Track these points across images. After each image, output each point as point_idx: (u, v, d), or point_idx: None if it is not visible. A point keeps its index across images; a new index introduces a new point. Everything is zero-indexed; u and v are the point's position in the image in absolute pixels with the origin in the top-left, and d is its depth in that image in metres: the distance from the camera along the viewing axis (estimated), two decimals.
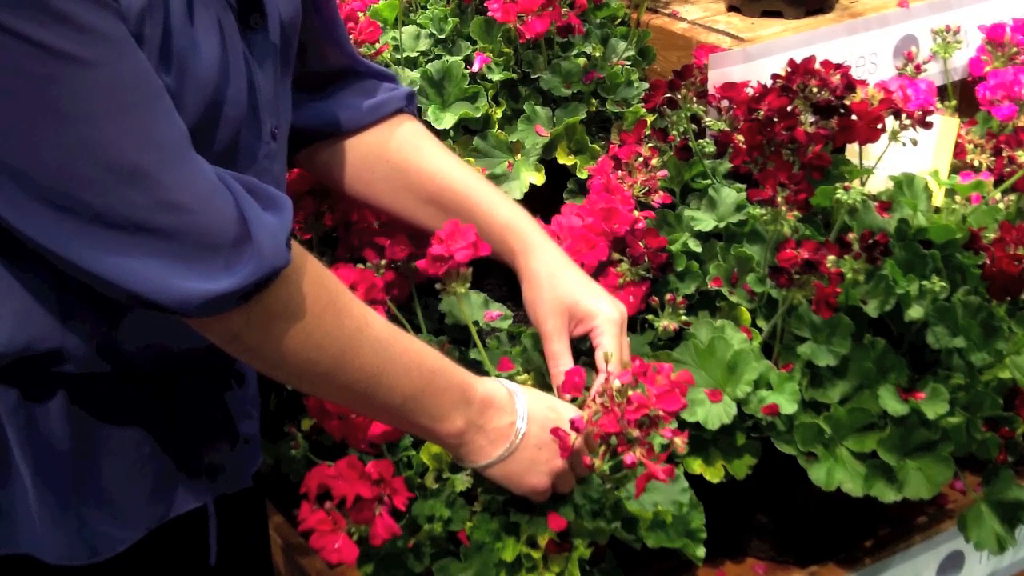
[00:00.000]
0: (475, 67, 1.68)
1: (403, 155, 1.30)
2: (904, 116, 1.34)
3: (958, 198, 1.37)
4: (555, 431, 1.08)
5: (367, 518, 1.08)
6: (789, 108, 1.31)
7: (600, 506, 1.14)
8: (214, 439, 1.12)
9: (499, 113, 1.68)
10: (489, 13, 1.64)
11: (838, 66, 1.34)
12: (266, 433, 1.26)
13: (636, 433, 1.02)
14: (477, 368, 1.27)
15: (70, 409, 1.01)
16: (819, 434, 1.22)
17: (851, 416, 1.22)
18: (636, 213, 1.36)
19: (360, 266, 1.32)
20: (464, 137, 1.68)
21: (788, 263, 1.18)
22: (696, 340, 1.25)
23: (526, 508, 1.13)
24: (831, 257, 1.19)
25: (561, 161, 1.64)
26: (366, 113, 1.30)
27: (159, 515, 1.08)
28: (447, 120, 1.65)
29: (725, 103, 1.41)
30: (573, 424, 1.06)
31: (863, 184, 1.40)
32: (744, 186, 1.40)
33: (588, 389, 1.18)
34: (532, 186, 1.63)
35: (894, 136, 1.35)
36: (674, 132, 1.45)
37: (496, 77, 1.67)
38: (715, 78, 1.51)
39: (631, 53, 1.74)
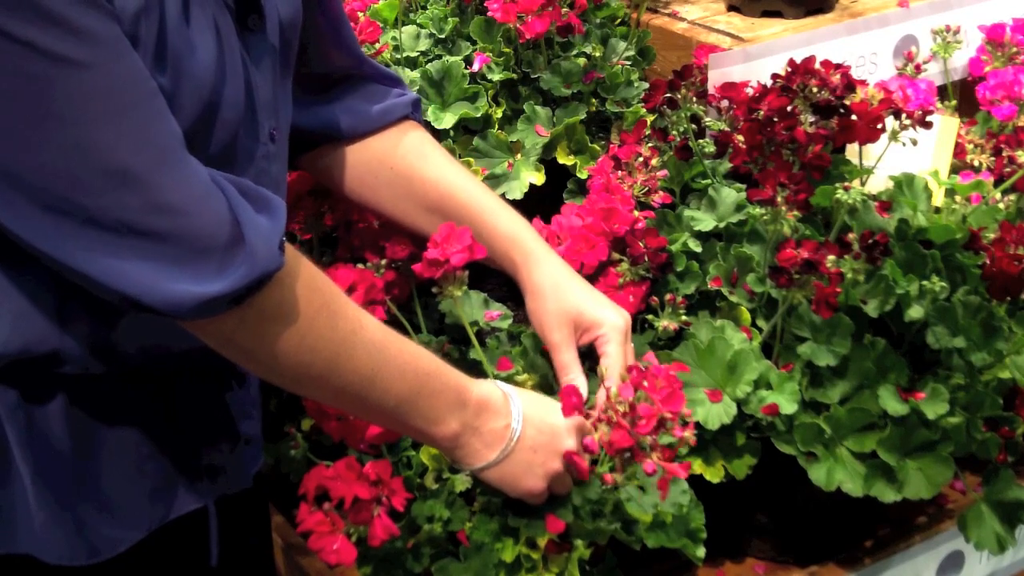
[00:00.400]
0: (475, 67, 1.68)
1: (407, 163, 1.30)
2: (904, 116, 1.34)
3: (958, 198, 1.37)
4: (569, 455, 1.09)
5: (365, 519, 1.08)
6: (789, 108, 1.31)
7: (600, 507, 1.14)
8: (215, 440, 1.12)
9: (499, 113, 1.68)
10: (489, 13, 1.64)
11: (838, 66, 1.34)
12: (266, 433, 1.26)
13: (650, 440, 1.02)
14: (476, 368, 1.27)
15: (70, 409, 1.01)
16: (819, 434, 1.22)
17: (851, 416, 1.22)
18: (636, 213, 1.36)
19: (360, 266, 1.32)
20: (464, 137, 1.68)
21: (788, 263, 1.18)
22: (696, 340, 1.25)
23: (524, 510, 1.13)
24: (831, 257, 1.19)
25: (561, 161, 1.64)
26: (371, 119, 1.30)
27: (160, 516, 1.08)
28: (447, 120, 1.65)
29: (725, 103, 1.41)
30: (586, 446, 1.05)
31: (863, 184, 1.39)
32: (744, 186, 1.40)
33: (593, 393, 1.18)
34: (532, 186, 1.63)
35: (894, 136, 1.35)
36: (674, 132, 1.45)
37: (496, 77, 1.67)
38: (715, 78, 1.51)
39: (631, 53, 1.74)
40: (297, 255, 0.99)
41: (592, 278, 1.31)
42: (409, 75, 1.68)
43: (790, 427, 1.22)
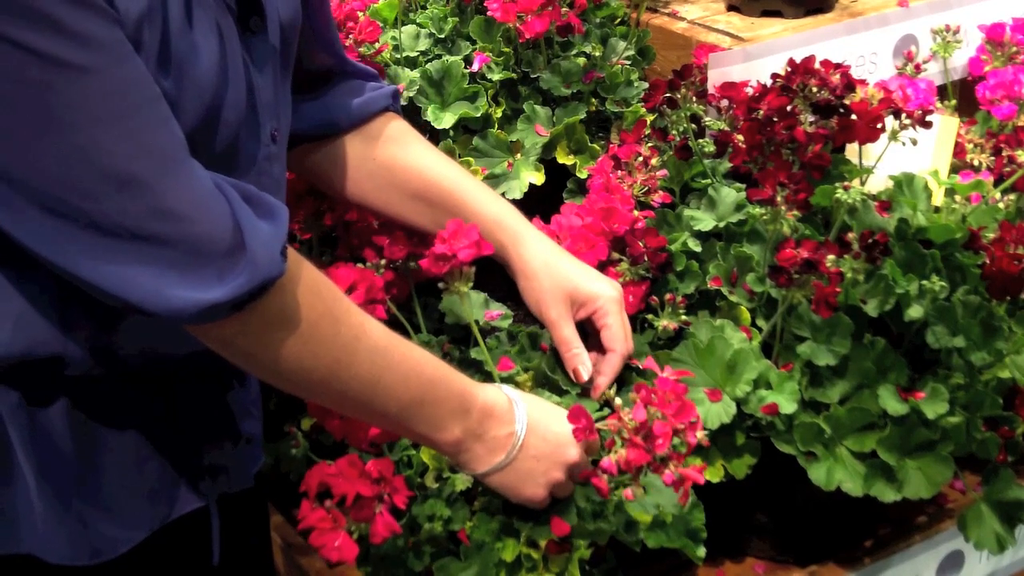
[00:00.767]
0: (475, 67, 1.68)
1: (389, 153, 1.30)
2: (904, 116, 1.34)
3: (958, 198, 1.37)
4: (586, 476, 1.09)
5: (367, 516, 1.08)
6: (789, 108, 1.31)
7: (601, 507, 1.14)
8: (216, 439, 1.12)
9: (499, 113, 1.68)
10: (489, 13, 1.64)
11: (838, 66, 1.34)
12: (266, 432, 1.26)
13: (667, 452, 1.03)
14: (477, 367, 1.27)
15: (72, 411, 1.01)
16: (819, 434, 1.22)
17: (851, 416, 1.22)
18: (636, 213, 1.37)
19: (360, 266, 1.32)
20: (464, 137, 1.68)
21: (788, 263, 1.18)
22: (696, 340, 1.25)
23: (528, 512, 1.13)
24: (831, 257, 1.19)
25: (561, 161, 1.64)
26: (353, 114, 1.30)
27: (161, 516, 1.08)
28: (447, 120, 1.65)
29: (725, 103, 1.41)
30: (604, 469, 1.06)
31: (863, 184, 1.40)
32: (744, 186, 1.40)
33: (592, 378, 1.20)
34: (532, 186, 1.63)
35: (894, 136, 1.35)
36: (674, 132, 1.45)
37: (496, 77, 1.67)
38: (715, 78, 1.51)
39: (631, 53, 1.74)
40: (300, 260, 0.99)
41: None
42: (409, 75, 1.68)
43: (790, 427, 1.22)
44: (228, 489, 1.13)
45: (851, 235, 1.21)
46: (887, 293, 1.23)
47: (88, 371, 1.01)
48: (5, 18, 0.80)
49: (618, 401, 1.07)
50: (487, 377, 1.23)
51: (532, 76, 1.68)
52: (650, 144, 1.46)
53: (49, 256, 0.89)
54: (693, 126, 1.44)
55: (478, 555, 1.13)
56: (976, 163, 1.51)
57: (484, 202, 1.29)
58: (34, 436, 1.00)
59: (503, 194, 1.57)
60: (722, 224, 1.39)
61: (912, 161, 1.43)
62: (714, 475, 1.23)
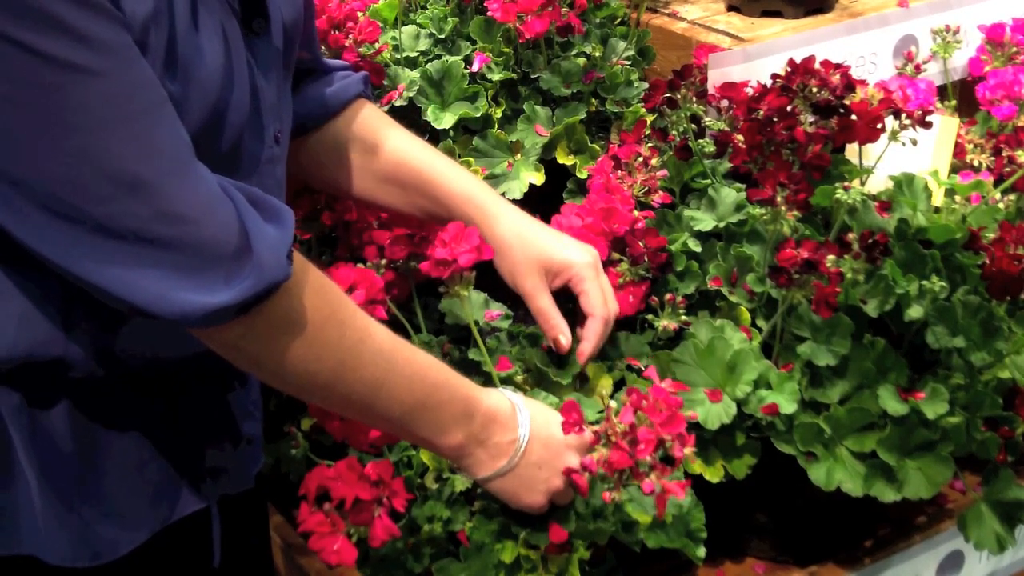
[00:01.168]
0: (475, 67, 1.68)
1: (360, 138, 1.31)
2: (904, 116, 1.34)
3: (958, 198, 1.37)
4: (568, 472, 1.09)
5: (366, 520, 1.08)
6: (789, 108, 1.31)
7: (601, 507, 1.14)
8: (217, 440, 1.12)
9: (499, 113, 1.68)
10: (489, 13, 1.64)
11: (838, 66, 1.34)
12: (266, 433, 1.26)
13: (649, 460, 1.02)
14: (477, 368, 1.27)
15: (73, 412, 1.01)
16: (819, 434, 1.22)
17: (851, 416, 1.22)
18: (636, 213, 1.37)
19: (360, 266, 1.32)
20: (464, 137, 1.67)
21: (788, 263, 1.18)
22: (696, 340, 1.25)
23: (526, 517, 1.13)
24: (831, 257, 1.19)
25: (561, 161, 1.64)
26: (328, 104, 1.30)
27: (163, 517, 1.08)
28: (447, 120, 1.65)
29: (725, 103, 1.41)
30: (585, 466, 1.05)
31: (863, 184, 1.39)
32: (744, 186, 1.40)
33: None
34: (532, 186, 1.63)
35: (894, 136, 1.35)
36: (674, 132, 1.45)
37: (496, 77, 1.67)
38: (715, 78, 1.51)
39: (631, 53, 1.74)
40: (305, 264, 0.99)
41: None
42: (409, 75, 1.68)
43: (790, 427, 1.22)
44: (229, 490, 1.13)
45: (851, 235, 1.21)
46: (887, 293, 1.23)
47: (90, 373, 1.01)
48: (12, 20, 0.80)
49: (612, 403, 1.06)
50: (486, 378, 1.23)
51: (532, 76, 1.68)
52: (650, 144, 1.46)
53: (55, 258, 0.89)
54: (693, 126, 1.44)
55: (477, 556, 1.13)
56: (976, 163, 1.51)
57: (453, 179, 1.29)
58: (35, 437, 1.00)
59: (503, 194, 1.57)
60: (722, 224, 1.39)
61: (912, 161, 1.43)
62: (714, 475, 1.23)
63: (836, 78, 1.32)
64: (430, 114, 1.65)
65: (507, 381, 1.26)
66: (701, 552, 1.18)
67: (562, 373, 1.26)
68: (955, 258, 1.28)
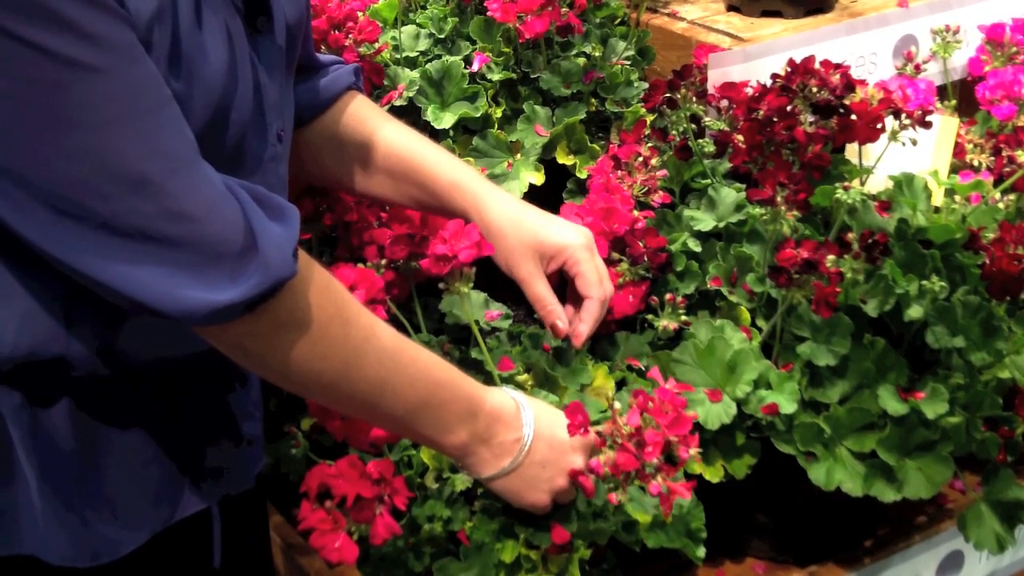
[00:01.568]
0: (475, 67, 1.68)
1: (350, 129, 1.31)
2: (904, 116, 1.34)
3: (958, 198, 1.37)
4: (574, 474, 1.09)
5: (367, 518, 1.08)
6: (789, 108, 1.31)
7: (601, 507, 1.14)
8: (218, 441, 1.11)
9: (499, 113, 1.68)
10: (489, 13, 1.64)
11: (838, 66, 1.34)
12: (266, 433, 1.26)
13: (656, 462, 1.02)
14: (478, 367, 1.27)
15: (74, 411, 1.01)
16: (819, 434, 1.22)
17: (851, 416, 1.22)
18: (636, 213, 1.37)
19: (360, 266, 1.32)
20: (464, 137, 1.68)
21: (788, 263, 1.18)
22: (696, 340, 1.25)
23: (528, 517, 1.13)
24: (831, 257, 1.19)
25: (561, 161, 1.64)
26: (321, 96, 1.30)
27: (164, 517, 1.07)
28: (447, 120, 1.65)
29: (725, 103, 1.41)
30: (591, 468, 1.05)
31: (863, 184, 1.40)
32: (744, 186, 1.40)
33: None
34: (532, 186, 1.63)
35: (894, 136, 1.35)
36: (674, 132, 1.45)
37: (496, 77, 1.67)
38: (715, 78, 1.51)
39: (631, 53, 1.74)
40: (310, 262, 0.99)
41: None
42: (409, 75, 1.68)
43: (790, 427, 1.22)
44: (229, 490, 1.13)
45: (851, 235, 1.21)
46: (887, 293, 1.23)
47: (92, 372, 1.01)
48: (17, 17, 0.80)
49: (616, 405, 1.07)
50: (487, 377, 1.23)
51: (532, 76, 1.68)
52: (650, 144, 1.46)
53: (60, 256, 0.89)
54: (693, 126, 1.44)
55: (478, 556, 1.13)
56: (976, 163, 1.51)
57: (443, 168, 1.29)
58: (36, 437, 1.00)
59: None
60: (722, 224, 1.39)
61: (912, 161, 1.43)
62: (714, 475, 1.23)
63: (836, 78, 1.32)
64: (430, 114, 1.65)
65: (508, 381, 1.26)
66: (701, 552, 1.18)
67: (568, 376, 1.26)
68: (955, 258, 1.28)
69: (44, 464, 1.00)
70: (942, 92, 1.78)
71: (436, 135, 1.66)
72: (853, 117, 1.32)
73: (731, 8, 1.87)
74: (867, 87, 1.35)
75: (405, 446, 1.23)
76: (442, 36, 1.74)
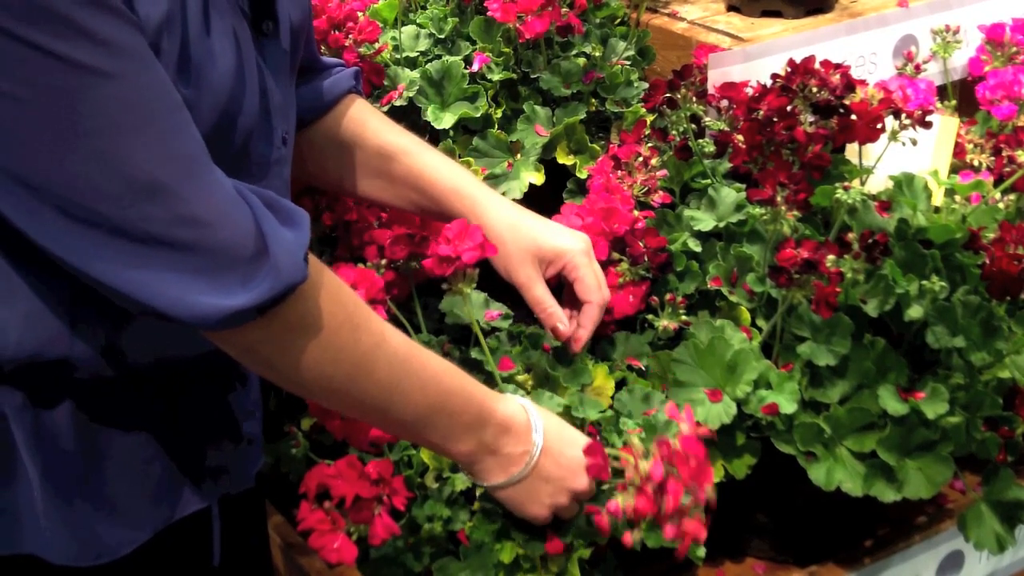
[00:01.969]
0: (475, 67, 1.68)
1: (349, 133, 1.31)
2: (904, 116, 1.34)
3: (958, 198, 1.37)
4: (592, 511, 1.09)
5: (366, 518, 1.08)
6: (789, 108, 1.31)
7: (600, 508, 1.14)
8: (218, 440, 1.12)
9: (499, 113, 1.68)
10: (489, 13, 1.64)
11: (838, 66, 1.34)
12: (266, 433, 1.26)
13: (676, 509, 1.03)
14: (478, 367, 1.27)
15: (76, 412, 1.01)
16: (819, 434, 1.22)
17: (851, 416, 1.22)
18: (636, 213, 1.37)
19: (360, 266, 1.32)
20: (464, 137, 1.68)
21: (788, 263, 1.18)
22: (696, 340, 1.25)
23: (526, 524, 1.13)
24: (831, 257, 1.19)
25: (561, 161, 1.64)
26: (322, 99, 1.30)
27: (164, 517, 1.08)
28: (447, 120, 1.65)
29: (725, 103, 1.42)
30: (610, 511, 1.06)
31: (863, 184, 1.40)
32: (744, 186, 1.40)
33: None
34: (532, 186, 1.63)
35: (894, 136, 1.35)
36: (674, 132, 1.45)
37: (496, 77, 1.67)
38: (715, 78, 1.51)
39: (631, 53, 1.74)
40: (321, 267, 0.99)
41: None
42: (409, 75, 1.68)
43: (790, 427, 1.22)
44: (229, 490, 1.13)
45: (851, 235, 1.21)
46: (887, 293, 1.23)
47: (95, 373, 1.01)
48: (28, 22, 0.80)
49: (635, 442, 1.06)
50: (488, 377, 1.23)
51: (532, 76, 1.68)
52: (650, 144, 1.47)
53: (72, 261, 0.89)
54: (693, 126, 1.44)
55: (477, 556, 1.13)
56: (976, 163, 1.51)
57: (442, 173, 1.30)
58: (38, 437, 1.00)
59: (503, 194, 1.57)
60: (722, 224, 1.39)
61: (912, 161, 1.43)
62: (714, 475, 1.23)
63: (836, 78, 1.32)
64: (430, 114, 1.65)
65: (508, 381, 1.26)
66: (701, 552, 1.18)
67: (569, 376, 1.26)
68: (955, 258, 1.28)
69: (46, 464, 1.00)
70: (942, 92, 1.78)
71: (436, 135, 1.66)
72: (853, 117, 1.32)
73: (731, 8, 1.87)
74: (867, 87, 1.35)
75: (405, 446, 1.23)
76: (442, 36, 1.74)
